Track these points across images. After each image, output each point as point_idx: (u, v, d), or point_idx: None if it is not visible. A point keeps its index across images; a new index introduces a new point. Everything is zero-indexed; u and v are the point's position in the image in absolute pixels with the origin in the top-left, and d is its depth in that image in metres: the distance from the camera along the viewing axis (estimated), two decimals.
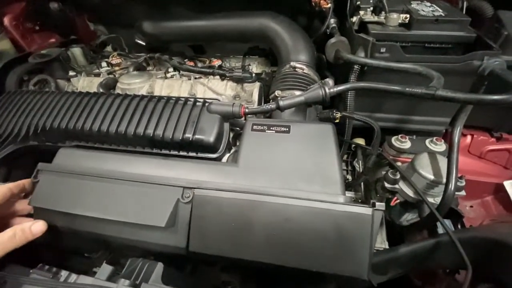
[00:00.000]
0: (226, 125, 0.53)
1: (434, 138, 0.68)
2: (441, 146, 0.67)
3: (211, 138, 0.49)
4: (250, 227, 0.39)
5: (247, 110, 0.51)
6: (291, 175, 0.42)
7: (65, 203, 0.46)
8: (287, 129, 0.47)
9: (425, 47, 0.60)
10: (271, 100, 0.62)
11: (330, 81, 0.53)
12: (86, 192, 0.46)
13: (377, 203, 0.39)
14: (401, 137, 0.68)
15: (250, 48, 0.86)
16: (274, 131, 0.47)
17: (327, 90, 0.47)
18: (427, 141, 0.68)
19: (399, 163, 0.66)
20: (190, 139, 0.49)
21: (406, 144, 0.68)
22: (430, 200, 0.55)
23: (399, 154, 0.69)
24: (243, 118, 0.53)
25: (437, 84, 0.43)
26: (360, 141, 0.77)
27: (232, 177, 0.44)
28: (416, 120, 0.68)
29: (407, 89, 0.42)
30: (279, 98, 0.50)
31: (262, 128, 0.48)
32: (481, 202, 0.71)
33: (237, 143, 0.60)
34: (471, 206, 0.71)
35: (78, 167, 0.49)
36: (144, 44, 0.92)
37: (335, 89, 0.48)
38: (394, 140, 0.69)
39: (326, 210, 0.38)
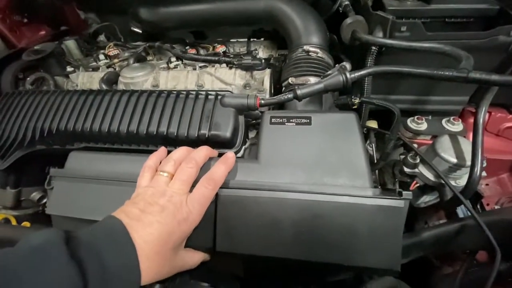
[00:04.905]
0: (241, 118, 0.51)
1: (451, 118, 0.66)
2: (458, 126, 0.65)
3: (228, 133, 0.47)
4: (278, 225, 0.39)
5: (262, 102, 0.49)
6: (316, 170, 0.41)
7: (83, 209, 0.45)
8: (308, 120, 0.45)
9: (445, 23, 0.57)
10: (283, 88, 0.59)
11: (347, 65, 0.50)
12: (105, 196, 0.45)
13: (404, 192, 0.38)
14: (418, 118, 0.66)
15: (254, 31, 0.81)
16: (294, 124, 0.45)
17: (348, 76, 0.45)
18: (443, 121, 0.67)
19: (415, 145, 0.64)
20: (206, 135, 0.47)
21: (423, 125, 0.66)
22: (452, 182, 0.54)
23: (415, 136, 0.67)
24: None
25: (467, 65, 0.40)
26: (373, 123, 0.75)
27: (254, 174, 0.42)
28: (433, 100, 0.66)
29: (435, 72, 0.40)
30: (296, 87, 0.47)
31: (281, 121, 0.46)
32: (496, 180, 0.70)
33: (249, 135, 0.58)
34: (487, 184, 0.70)
35: (92, 170, 0.47)
36: (140, 32, 0.87)
37: (356, 74, 0.45)
38: (410, 122, 0.67)
39: (356, 205, 0.37)
